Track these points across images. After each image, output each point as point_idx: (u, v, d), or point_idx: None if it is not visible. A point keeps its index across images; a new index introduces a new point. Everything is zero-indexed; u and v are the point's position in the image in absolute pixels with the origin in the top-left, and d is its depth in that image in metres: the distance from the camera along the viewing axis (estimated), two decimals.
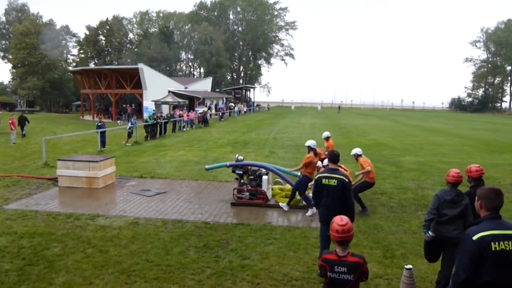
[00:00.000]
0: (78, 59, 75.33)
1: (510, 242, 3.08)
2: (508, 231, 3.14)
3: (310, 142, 9.57)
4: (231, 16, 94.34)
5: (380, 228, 8.12)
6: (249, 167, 10.26)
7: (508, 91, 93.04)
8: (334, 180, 5.73)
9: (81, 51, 76.68)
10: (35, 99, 60.40)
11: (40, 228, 7.79)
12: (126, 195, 10.57)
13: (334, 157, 5.99)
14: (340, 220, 3.68)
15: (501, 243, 3.07)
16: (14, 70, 59.22)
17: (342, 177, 5.75)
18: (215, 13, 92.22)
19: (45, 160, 14.63)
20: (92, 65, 69.95)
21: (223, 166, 10.95)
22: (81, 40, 75.32)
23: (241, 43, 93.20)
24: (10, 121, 22.06)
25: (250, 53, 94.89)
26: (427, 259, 5.68)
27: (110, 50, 77.17)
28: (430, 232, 5.29)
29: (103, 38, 76.19)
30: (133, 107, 43.34)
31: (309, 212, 9.04)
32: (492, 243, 3.06)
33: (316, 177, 6.01)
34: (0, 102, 49.60)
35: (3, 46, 70.28)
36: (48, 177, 12.33)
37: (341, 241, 3.62)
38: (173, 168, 14.55)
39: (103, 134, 19.18)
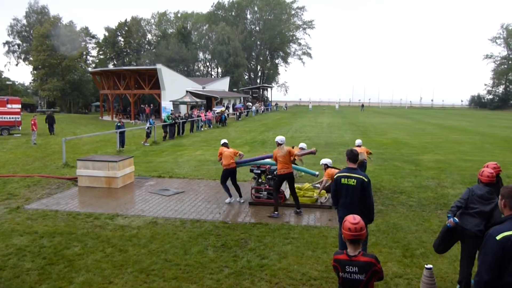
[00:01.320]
0: (97, 60, 76.50)
1: None
2: None
3: (279, 138, 9.34)
4: (248, 16, 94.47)
5: (399, 227, 8.00)
6: (267, 166, 10.23)
7: None
8: (353, 179, 5.64)
9: (100, 52, 77.85)
10: (55, 100, 61.54)
11: (60, 228, 7.92)
12: (145, 195, 10.66)
13: (353, 156, 5.89)
14: (352, 219, 3.63)
15: None
16: (35, 72, 60.46)
17: (361, 176, 5.66)
18: (233, 13, 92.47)
19: (65, 160, 14.87)
20: (111, 66, 70.99)
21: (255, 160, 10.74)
22: (100, 41, 76.39)
23: (258, 42, 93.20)
24: (32, 122, 22.53)
25: (267, 53, 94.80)
26: (435, 247, 5.60)
27: (128, 51, 78.11)
28: (455, 218, 5.17)
29: (122, 39, 77.19)
30: (151, 107, 43.76)
31: (228, 200, 9.91)
32: None
33: (335, 176, 5.93)
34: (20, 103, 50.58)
35: (25, 48, 71.75)
36: (68, 177, 12.53)
37: (353, 240, 3.56)
38: (191, 167, 14.62)
39: (122, 134, 19.42)
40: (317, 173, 10.77)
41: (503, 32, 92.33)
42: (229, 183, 10.05)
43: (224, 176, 9.98)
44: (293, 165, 10.69)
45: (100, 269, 6.07)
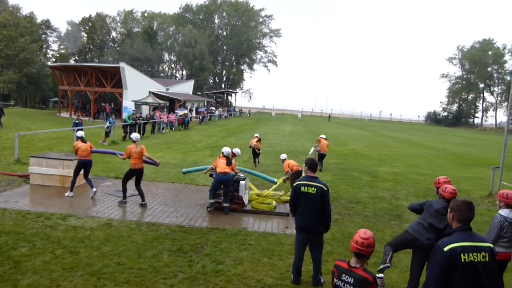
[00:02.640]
0: (58, 55, 73.85)
1: (479, 254, 3.15)
2: (477, 243, 3.21)
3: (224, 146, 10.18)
4: (216, 20, 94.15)
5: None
6: None
7: (480, 107, 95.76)
8: (313, 188, 5.71)
9: (62, 47, 75.33)
10: (10, 93, 58.84)
11: (8, 227, 7.55)
12: (100, 196, 10.36)
13: (313, 165, 5.99)
14: (364, 233, 3.64)
15: (470, 254, 3.14)
16: None
17: (321, 185, 5.74)
18: (200, 17, 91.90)
19: (18, 157, 14.24)
20: (72, 62, 68.76)
21: (202, 169, 11.05)
22: (62, 35, 73.96)
23: (225, 47, 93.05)
24: None
25: (233, 58, 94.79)
26: (389, 244, 5.70)
27: (91, 47, 75.99)
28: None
29: (85, 35, 75.00)
30: (112, 106, 42.70)
31: (70, 193, 10.13)
32: (462, 255, 3.12)
33: (294, 184, 5.98)
34: None
35: None
36: (20, 174, 12.00)
37: (357, 253, 3.56)
38: (150, 169, 14.30)
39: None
40: (276, 180, 10.88)
41: (459, 53, 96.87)
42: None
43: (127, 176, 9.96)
44: (252, 171, 11.11)
45: (48, 271, 5.83)
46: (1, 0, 66.43)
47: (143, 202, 9.67)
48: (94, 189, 10.28)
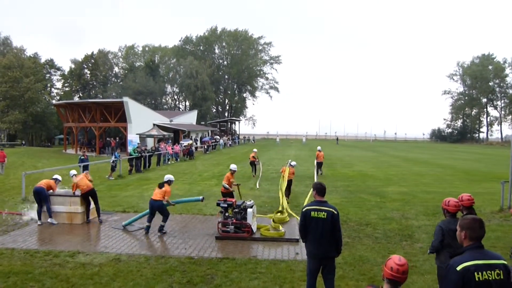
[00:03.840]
0: (62, 93, 74.96)
1: (493, 272, 3.09)
2: (491, 260, 3.16)
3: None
4: (216, 51, 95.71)
5: (365, 259, 8.06)
6: (234, 200, 10.28)
7: (484, 122, 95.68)
8: (323, 212, 5.59)
9: (66, 85, 76.52)
10: (16, 132, 59.52)
11: (16, 267, 7.52)
12: (108, 230, 10.33)
13: (321, 190, 5.87)
14: (398, 260, 3.46)
15: (484, 273, 3.08)
16: None
17: (331, 209, 5.63)
18: (201, 48, 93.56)
19: (25, 195, 14.29)
20: (76, 99, 69.74)
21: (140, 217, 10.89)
22: (66, 73, 75.24)
23: (226, 76, 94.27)
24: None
25: (235, 87, 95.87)
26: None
27: (95, 83, 77.19)
28: None
29: (88, 72, 76.32)
30: (117, 140, 43.04)
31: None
32: (476, 273, 3.07)
33: (303, 210, 5.82)
34: None
35: None
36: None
37: (392, 280, 3.44)
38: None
39: (85, 168, 18.93)
40: (201, 197, 10.84)
41: (459, 69, 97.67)
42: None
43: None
44: (179, 199, 11.57)
45: None
46: (6, 42, 68.10)
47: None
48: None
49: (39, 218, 10.96)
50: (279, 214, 11.62)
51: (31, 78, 55.38)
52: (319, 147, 23.88)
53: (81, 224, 10.94)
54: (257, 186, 18.03)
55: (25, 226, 10.74)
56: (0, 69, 54.11)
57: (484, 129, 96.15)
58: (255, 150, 23.95)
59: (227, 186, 11.87)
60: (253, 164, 22.21)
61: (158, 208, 10.09)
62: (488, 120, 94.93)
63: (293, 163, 15.97)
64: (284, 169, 14.32)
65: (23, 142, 55.66)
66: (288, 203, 12.72)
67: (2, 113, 55.51)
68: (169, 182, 10.52)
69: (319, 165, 22.37)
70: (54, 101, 60.75)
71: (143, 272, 7.32)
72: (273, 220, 10.83)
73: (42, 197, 10.93)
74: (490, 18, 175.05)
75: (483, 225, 3.31)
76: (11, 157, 27.88)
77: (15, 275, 7.08)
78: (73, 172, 11.99)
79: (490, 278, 3.07)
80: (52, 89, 74.26)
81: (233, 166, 13.06)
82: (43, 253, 8.40)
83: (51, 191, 11.27)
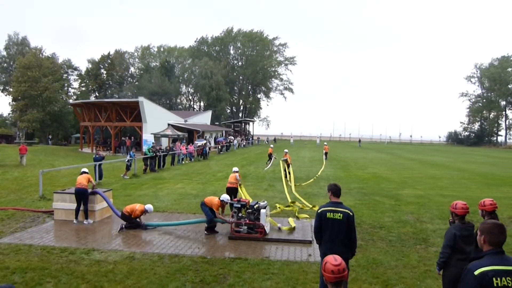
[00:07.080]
0: (79, 92, 76.05)
1: None
2: (510, 267, 3.09)
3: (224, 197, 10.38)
4: (231, 51, 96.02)
5: (379, 262, 8.00)
6: (247, 200, 10.34)
7: (503, 125, 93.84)
8: (339, 213, 5.55)
9: (82, 84, 77.59)
10: (34, 131, 60.57)
11: (33, 263, 7.66)
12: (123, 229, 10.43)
13: (336, 191, 5.83)
14: (333, 260, 3.46)
15: (503, 279, 3.02)
16: (14, 103, 59.65)
17: (347, 210, 5.59)
18: (216, 48, 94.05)
19: (42, 193, 14.54)
20: (92, 98, 70.64)
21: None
22: (83, 73, 76.32)
23: (241, 77, 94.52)
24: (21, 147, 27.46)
25: (249, 87, 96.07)
26: None
27: (111, 83, 78.08)
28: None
29: (105, 72, 77.25)
30: (132, 140, 43.48)
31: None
32: (494, 279, 3.02)
33: (319, 211, 5.75)
34: None
35: (4, 79, 71.00)
36: (44, 210, 12.22)
37: (337, 282, 3.42)
38: (171, 201, 14.44)
39: (99, 166, 19.16)
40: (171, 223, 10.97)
41: (477, 71, 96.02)
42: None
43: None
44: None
45: None
46: (24, 42, 69.31)
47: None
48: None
49: (76, 217, 11.06)
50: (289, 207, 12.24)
51: (49, 78, 56.31)
52: (325, 142, 33.42)
53: (96, 222, 11.08)
54: (265, 169, 24.99)
55: (42, 223, 10.92)
56: (20, 68, 55.12)
57: (502, 132, 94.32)
58: (271, 146, 33.99)
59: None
60: (270, 156, 28.73)
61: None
62: (507, 123, 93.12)
63: (286, 150, 24.49)
64: (287, 156, 19.00)
65: (36, 141, 56.74)
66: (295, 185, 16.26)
67: (21, 112, 56.57)
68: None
69: (325, 154, 35.77)
70: (71, 101, 61.68)
71: (157, 271, 7.38)
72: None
73: (84, 198, 11.03)
74: (509, 20, 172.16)
75: (504, 231, 3.26)
76: (28, 155, 28.37)
77: (32, 271, 7.22)
78: (85, 170, 12.10)
79: (509, 285, 3.01)
80: (69, 88, 75.43)
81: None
82: (59, 249, 8.54)
83: (90, 183, 11.50)
